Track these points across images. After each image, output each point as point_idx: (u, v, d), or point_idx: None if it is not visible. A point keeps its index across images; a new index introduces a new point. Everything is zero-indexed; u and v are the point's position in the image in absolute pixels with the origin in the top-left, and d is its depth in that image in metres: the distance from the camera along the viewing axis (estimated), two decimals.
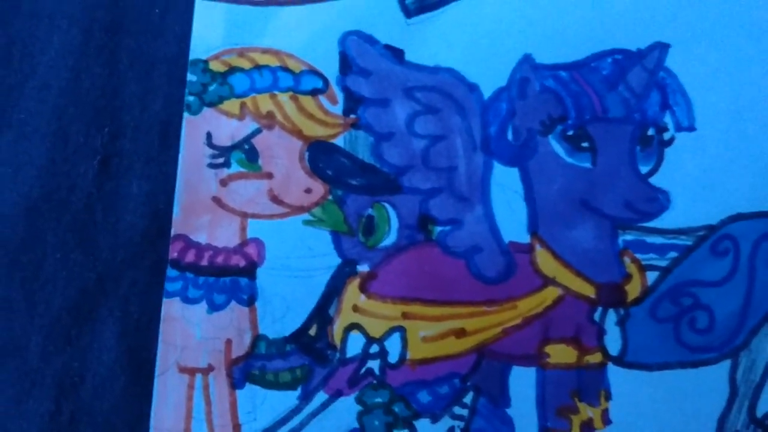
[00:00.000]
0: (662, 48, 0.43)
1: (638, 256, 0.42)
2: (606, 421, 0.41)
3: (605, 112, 0.43)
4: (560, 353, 0.42)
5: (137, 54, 0.47)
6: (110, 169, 0.46)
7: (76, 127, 0.46)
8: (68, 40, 0.47)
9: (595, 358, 0.42)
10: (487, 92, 0.44)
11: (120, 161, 0.46)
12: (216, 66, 0.45)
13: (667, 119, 0.43)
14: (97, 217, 0.46)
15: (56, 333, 0.44)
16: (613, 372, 0.42)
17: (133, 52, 0.47)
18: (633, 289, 0.42)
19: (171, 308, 0.43)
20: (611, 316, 0.42)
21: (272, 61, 0.45)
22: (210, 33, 0.45)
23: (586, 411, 0.41)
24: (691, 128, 0.43)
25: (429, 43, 0.44)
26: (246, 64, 0.45)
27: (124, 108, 0.47)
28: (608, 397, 0.41)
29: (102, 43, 0.49)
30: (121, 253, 0.45)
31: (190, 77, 0.45)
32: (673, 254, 0.42)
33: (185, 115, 0.45)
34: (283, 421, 0.42)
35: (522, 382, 0.42)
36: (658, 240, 0.42)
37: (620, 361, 0.42)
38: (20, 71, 0.46)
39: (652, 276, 0.42)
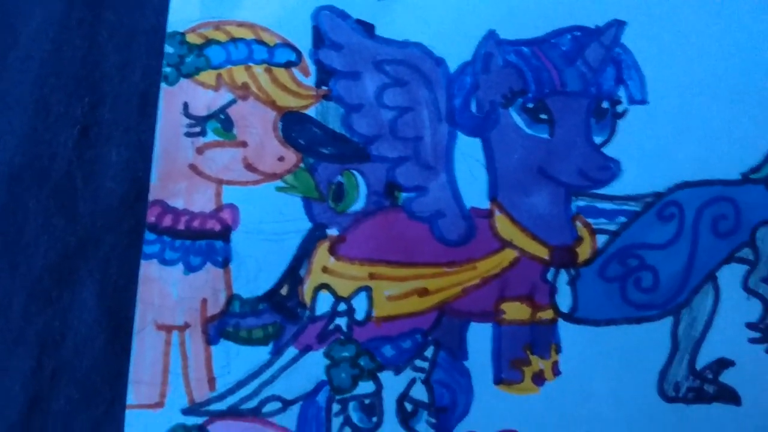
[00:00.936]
0: (619, 25, 0.46)
1: (589, 220, 0.45)
2: (556, 372, 0.44)
3: (563, 86, 0.45)
4: (515, 310, 0.44)
5: (117, 26, 0.49)
6: (90, 137, 0.48)
7: (57, 97, 0.48)
8: (50, 12, 0.48)
9: (547, 314, 0.44)
10: (452, 66, 0.46)
11: (99, 130, 0.48)
12: (193, 38, 0.47)
13: (621, 93, 0.46)
14: (77, 183, 0.47)
15: (38, 294, 0.45)
16: (564, 327, 0.44)
17: (112, 25, 0.49)
18: (584, 251, 0.45)
19: (149, 269, 0.45)
20: (563, 276, 0.45)
21: (247, 35, 0.47)
22: (187, 6, 0.47)
23: (538, 363, 0.44)
24: (643, 101, 0.45)
25: (398, 18, 0.46)
26: (222, 37, 0.47)
27: (103, 78, 0.48)
28: (558, 351, 0.44)
29: (83, 15, 0.49)
30: (101, 218, 0.46)
31: (168, 49, 0.47)
32: (622, 219, 0.45)
33: (162, 85, 0.46)
34: (256, 374, 0.44)
35: (479, 337, 0.44)
36: (608, 206, 0.45)
37: (570, 317, 0.44)
38: (2, 42, 0.47)
39: (601, 239, 0.45)
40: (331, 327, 0.45)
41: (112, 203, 0.47)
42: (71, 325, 0.46)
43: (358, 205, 0.46)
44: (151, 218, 0.46)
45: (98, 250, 0.46)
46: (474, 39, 0.46)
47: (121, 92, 0.48)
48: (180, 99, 0.47)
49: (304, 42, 0.47)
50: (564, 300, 0.45)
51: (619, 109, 0.46)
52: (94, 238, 0.47)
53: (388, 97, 0.46)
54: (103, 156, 0.48)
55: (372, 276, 0.45)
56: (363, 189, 0.46)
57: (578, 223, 0.45)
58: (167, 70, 0.47)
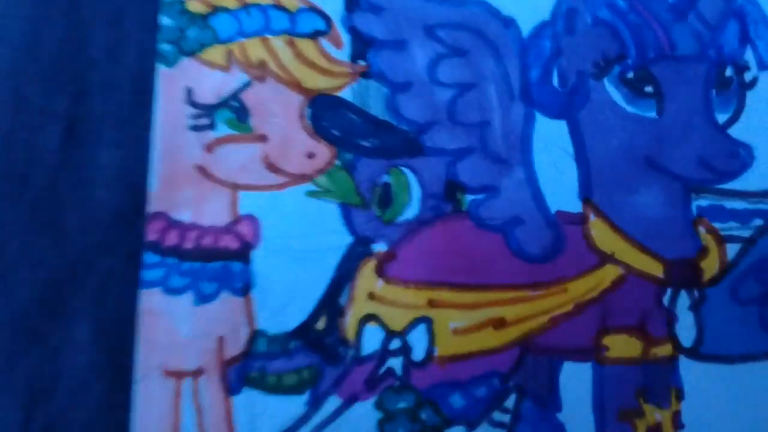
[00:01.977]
0: None
1: (716, 225, 0.42)
2: (677, 425, 0.40)
3: (673, 48, 0.43)
4: (622, 345, 0.40)
5: None
6: (76, 136, 0.46)
7: (36, 89, 0.46)
8: None
9: (663, 350, 0.41)
10: (526, 28, 0.44)
11: (87, 127, 0.46)
12: (195, 6, 0.44)
13: (749, 56, 0.44)
14: (63, 194, 0.46)
15: (23, 331, 0.44)
16: (686, 366, 0.41)
17: None
18: (710, 266, 0.41)
19: (151, 301, 0.41)
20: (683, 299, 0.41)
21: None
22: None
23: (654, 414, 0.40)
24: None
25: None
26: (231, 3, 0.43)
27: (90, 63, 0.47)
28: (680, 397, 0.40)
29: None
30: (93, 237, 0.45)
31: (165, 21, 0.43)
32: (758, 222, 0.42)
33: (160, 67, 0.43)
34: (289, 431, 0.40)
35: (575, 380, 0.40)
36: (739, 205, 0.42)
37: (695, 352, 0.41)
38: None
39: (732, 249, 0.41)
40: (383, 370, 0.41)
41: (106, 217, 0.45)
42: (64, 369, 0.45)
43: (411, 211, 0.42)
44: (152, 236, 0.42)
45: (91, 277, 0.45)
46: None
47: (112, 79, 0.47)
48: (182, 83, 0.43)
49: (334, 5, 0.43)
50: (686, 331, 0.41)
51: (747, 77, 0.43)
52: (85, 262, 0.45)
53: (443, 71, 0.43)
54: (92, 158, 0.46)
55: (432, 303, 0.41)
56: (416, 191, 0.42)
57: (701, 229, 0.42)
58: (165, 47, 0.43)
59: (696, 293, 0.41)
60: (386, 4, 0.44)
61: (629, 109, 0.42)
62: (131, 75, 0.47)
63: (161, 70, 0.45)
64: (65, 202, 0.46)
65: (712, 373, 0.40)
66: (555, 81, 0.43)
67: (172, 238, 0.44)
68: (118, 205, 0.46)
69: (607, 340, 0.41)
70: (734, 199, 0.42)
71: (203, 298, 0.42)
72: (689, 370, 0.40)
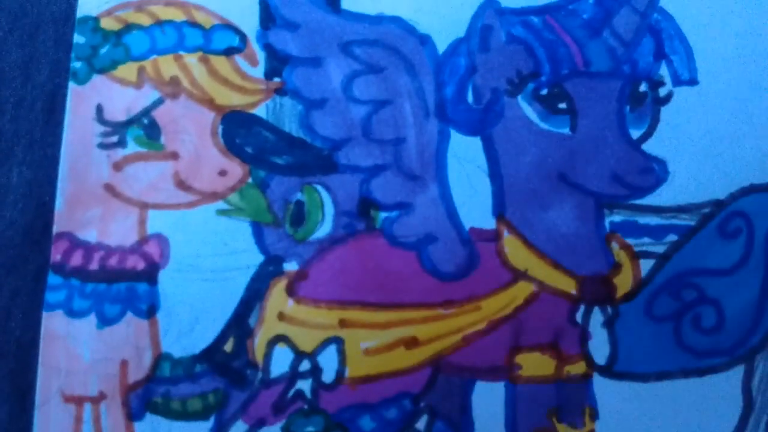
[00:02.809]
0: None
1: (629, 240, 0.41)
2: None
3: (587, 65, 0.42)
4: (535, 364, 0.40)
5: (19, 15, 0.47)
6: None
7: None
8: None
9: (577, 368, 0.40)
10: (441, 45, 0.42)
11: None
12: (109, 24, 0.44)
13: (663, 71, 0.42)
14: None
15: None
16: (600, 384, 0.40)
17: (13, 14, 0.47)
18: (623, 282, 0.40)
19: (53, 324, 0.41)
20: (597, 316, 0.40)
21: (178, 15, 0.43)
22: None
23: None
24: (692, 81, 0.41)
25: None
26: (145, 20, 0.43)
27: (3, 81, 0.47)
28: (594, 416, 0.40)
29: None
30: (0, 258, 0.44)
31: (78, 38, 0.44)
32: (672, 237, 0.40)
33: (71, 84, 0.44)
34: None
35: (488, 400, 0.40)
36: (653, 220, 0.41)
37: (608, 371, 0.40)
38: None
39: (646, 265, 0.40)
40: (291, 393, 0.40)
41: (14, 238, 0.45)
42: None
43: (324, 230, 0.41)
44: (56, 256, 0.41)
45: None
46: (468, 9, 0.42)
47: (24, 97, 0.46)
48: (93, 101, 0.43)
49: (249, 22, 0.43)
50: (599, 349, 0.40)
51: (662, 92, 0.42)
52: None
53: (359, 88, 0.42)
54: (1, 178, 0.46)
55: (343, 323, 0.40)
56: (329, 209, 0.42)
57: (615, 245, 0.41)
58: (76, 64, 0.43)
59: (609, 310, 0.40)
60: (302, 21, 0.44)
61: (543, 125, 0.42)
62: (43, 93, 0.46)
63: (73, 88, 0.45)
64: None
65: (626, 391, 0.40)
66: (470, 98, 0.43)
67: (76, 259, 0.43)
68: (25, 224, 0.45)
69: (520, 359, 0.40)
70: (648, 214, 0.41)
71: (106, 321, 0.42)
72: (603, 389, 0.40)
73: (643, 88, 0.43)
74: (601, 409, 0.40)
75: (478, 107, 0.43)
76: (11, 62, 0.47)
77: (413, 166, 0.43)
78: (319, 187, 0.43)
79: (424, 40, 0.44)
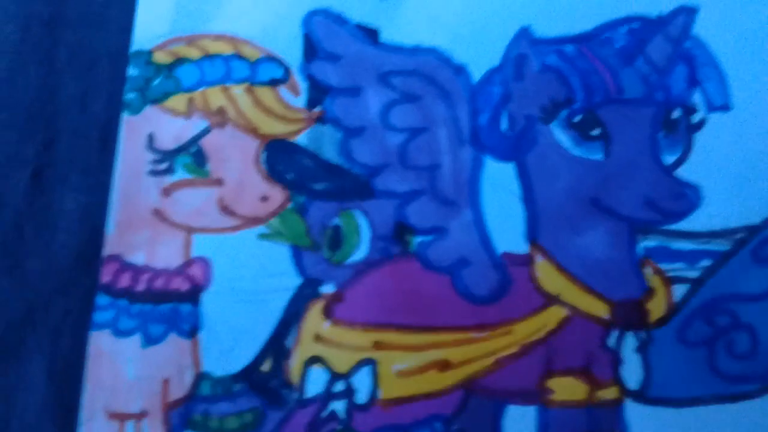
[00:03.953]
0: (688, 12, 0.42)
1: (662, 266, 0.40)
2: None
3: (620, 92, 0.42)
4: (567, 388, 0.39)
5: (76, 48, 0.48)
6: (42, 181, 0.47)
7: (8, 136, 0.47)
8: (3, 36, 0.49)
9: (609, 393, 0.39)
10: (476, 74, 0.43)
11: (53, 172, 0.47)
12: (161, 57, 0.45)
13: (697, 98, 0.42)
14: (27, 237, 0.46)
15: None
16: (632, 410, 0.39)
17: (72, 47, 0.48)
18: (656, 307, 0.40)
19: (100, 342, 0.41)
20: (630, 341, 0.40)
21: (226, 49, 0.44)
22: (155, 20, 0.45)
23: None
24: (725, 107, 0.41)
25: (408, 19, 0.43)
26: (195, 54, 0.44)
27: (60, 111, 0.48)
28: None
29: (39, 38, 0.49)
30: (53, 279, 0.45)
31: (132, 71, 0.45)
32: (705, 263, 0.40)
33: (124, 115, 0.44)
34: None
35: (520, 424, 0.39)
36: (686, 246, 0.40)
37: (641, 396, 0.39)
38: None
39: (680, 290, 0.40)
40: (326, 413, 0.40)
41: (66, 260, 0.45)
42: (16, 411, 0.45)
43: (360, 253, 0.42)
44: (105, 278, 0.42)
45: (48, 318, 0.45)
46: (502, 39, 0.43)
47: (80, 126, 0.48)
48: (144, 130, 0.44)
49: (293, 55, 0.44)
50: (632, 374, 0.40)
51: (695, 118, 0.41)
52: (44, 303, 0.45)
53: (396, 116, 0.43)
54: (56, 203, 0.47)
55: (377, 345, 0.41)
56: (366, 233, 0.42)
57: (648, 270, 0.40)
58: (130, 96, 0.44)
59: (642, 335, 0.40)
60: (342, 52, 0.44)
61: (576, 152, 0.41)
62: (98, 123, 0.47)
63: (126, 118, 0.46)
64: (28, 245, 0.46)
65: (658, 416, 0.39)
66: (504, 125, 0.43)
67: (124, 281, 0.44)
68: (78, 248, 0.46)
69: (552, 383, 0.39)
70: (681, 239, 0.41)
71: (151, 340, 0.43)
72: (635, 414, 0.39)
73: (676, 114, 0.42)
74: None
75: (512, 134, 0.43)
76: (69, 94, 0.48)
77: (448, 191, 0.43)
78: (356, 212, 0.43)
79: (459, 70, 0.44)
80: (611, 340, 0.40)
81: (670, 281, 0.41)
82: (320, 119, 0.43)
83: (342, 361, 0.41)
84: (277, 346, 0.41)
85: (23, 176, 0.47)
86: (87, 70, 0.48)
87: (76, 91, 0.48)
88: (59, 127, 0.48)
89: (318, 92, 0.44)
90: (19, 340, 0.45)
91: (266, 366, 0.41)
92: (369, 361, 0.41)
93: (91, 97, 0.48)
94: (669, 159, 0.42)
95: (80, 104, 0.48)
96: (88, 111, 0.48)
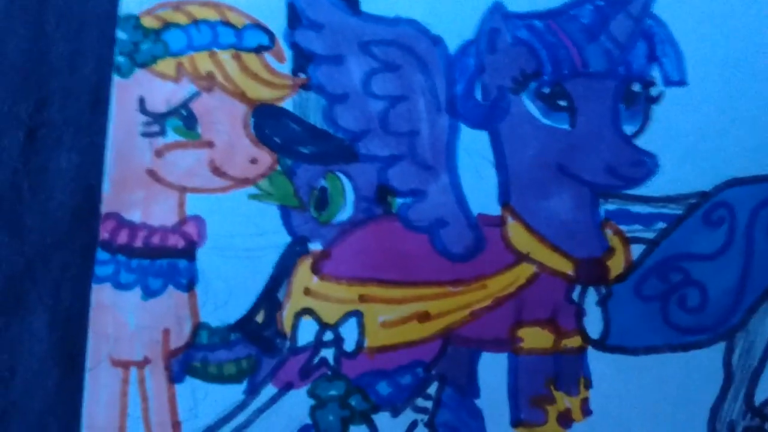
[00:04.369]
0: None
1: (622, 227, 0.41)
2: (585, 411, 0.40)
3: (585, 66, 0.42)
4: (535, 337, 0.40)
5: (65, 12, 0.47)
6: (37, 141, 0.46)
7: (1, 97, 0.47)
8: None
9: (573, 341, 0.40)
10: (452, 46, 0.42)
11: (47, 132, 0.46)
12: (149, 22, 0.43)
13: (655, 73, 0.42)
14: (23, 195, 0.46)
15: None
16: (594, 357, 0.40)
17: (60, 11, 0.47)
18: (616, 265, 0.41)
19: (101, 295, 0.42)
20: (591, 295, 0.41)
21: (212, 15, 0.43)
22: None
23: (564, 400, 0.40)
24: (681, 82, 0.41)
25: None
26: (182, 19, 0.43)
27: (51, 73, 0.47)
28: (588, 385, 0.40)
29: (27, 2, 0.48)
30: (51, 235, 0.45)
31: (120, 35, 0.44)
32: (660, 225, 0.41)
33: (115, 78, 0.43)
34: (228, 417, 0.41)
35: (492, 369, 0.40)
36: (644, 209, 0.41)
37: (601, 344, 0.40)
38: None
39: (637, 249, 0.41)
40: (316, 360, 0.41)
41: (63, 217, 0.45)
42: (21, 359, 0.45)
43: (345, 213, 0.42)
44: (104, 234, 0.42)
45: (48, 272, 0.45)
46: (477, 13, 0.42)
47: (71, 88, 0.47)
48: (135, 93, 0.43)
49: (277, 22, 0.43)
50: (593, 324, 0.41)
51: (653, 92, 0.42)
52: (43, 258, 0.45)
53: (377, 84, 0.42)
54: (51, 162, 0.46)
55: (363, 298, 0.41)
56: (350, 194, 0.42)
57: (608, 231, 0.41)
58: (120, 59, 0.44)
59: (603, 290, 0.41)
60: (325, 21, 0.44)
61: (544, 121, 0.42)
62: (89, 85, 0.47)
63: (116, 81, 0.45)
64: (25, 203, 0.46)
65: (617, 363, 0.40)
66: (478, 95, 0.42)
67: (122, 237, 0.44)
68: (74, 205, 0.46)
69: (522, 332, 0.41)
70: (639, 203, 0.41)
71: (150, 293, 0.42)
72: (596, 361, 0.40)
73: (636, 88, 0.43)
74: (594, 378, 0.41)
75: (486, 104, 0.42)
76: (58, 56, 0.48)
77: (426, 156, 0.42)
78: (341, 175, 0.42)
79: (437, 41, 0.43)
80: (575, 294, 0.41)
81: (628, 241, 0.41)
82: (305, 86, 0.43)
83: (330, 313, 0.41)
84: (269, 298, 0.42)
85: (18, 136, 0.47)
86: (75, 34, 0.47)
87: (65, 53, 0.47)
88: (51, 88, 0.47)
89: (302, 59, 0.43)
90: (20, 293, 0.45)
91: (260, 317, 0.41)
92: (356, 313, 0.41)
93: (81, 60, 0.47)
94: (629, 129, 0.42)
95: (70, 67, 0.47)
96: (78, 73, 0.47)
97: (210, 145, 0.43)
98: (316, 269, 0.41)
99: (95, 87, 0.47)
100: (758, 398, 0.40)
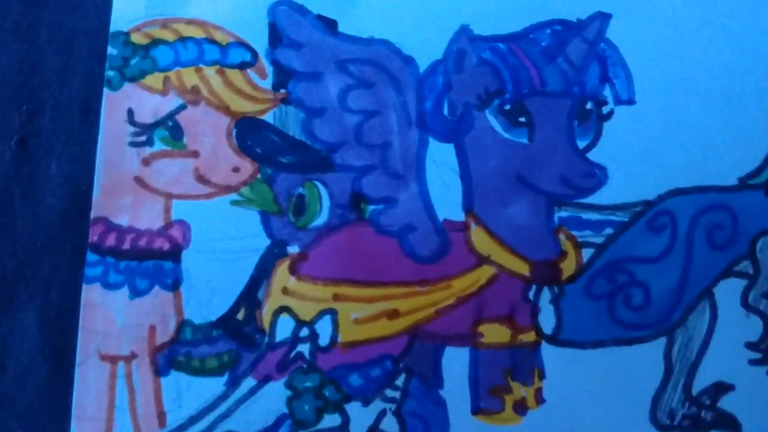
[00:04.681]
0: (603, 18, 0.44)
1: (574, 232, 0.43)
2: (539, 399, 0.42)
3: (543, 85, 0.43)
4: (494, 332, 0.42)
5: (56, 27, 0.49)
6: (28, 149, 0.48)
7: None
8: None
9: (529, 336, 0.42)
10: (423, 65, 0.44)
11: (39, 141, 0.48)
12: (138, 38, 0.45)
13: (607, 92, 0.43)
14: (15, 200, 0.47)
15: None
16: (547, 351, 0.42)
17: (51, 26, 0.49)
18: (568, 267, 0.43)
19: (91, 294, 0.43)
20: (546, 294, 0.42)
21: (198, 33, 0.45)
22: (131, 3, 0.45)
23: (520, 390, 0.42)
24: (630, 102, 0.43)
25: (363, 13, 0.44)
26: (170, 36, 0.45)
27: (42, 85, 0.49)
28: (542, 376, 0.42)
29: (19, 17, 0.50)
30: (41, 238, 0.45)
31: (111, 50, 0.45)
32: (609, 230, 0.43)
33: (105, 90, 0.45)
34: (210, 407, 0.42)
35: (455, 362, 0.42)
36: (594, 216, 0.43)
37: (554, 339, 0.42)
38: None
39: (587, 253, 0.43)
40: (293, 354, 0.42)
41: (53, 221, 0.45)
42: (12, 354, 0.46)
43: (321, 219, 0.43)
44: (93, 237, 0.44)
45: (39, 273, 0.45)
46: (445, 35, 0.44)
47: (62, 99, 0.48)
48: (124, 105, 0.45)
49: (259, 41, 0.44)
50: (547, 321, 0.42)
51: (605, 110, 0.44)
52: (34, 260, 0.45)
53: (352, 99, 0.44)
54: (42, 169, 0.48)
55: (337, 297, 0.43)
56: (326, 201, 0.43)
57: (561, 236, 0.43)
58: (110, 73, 0.45)
59: (556, 289, 0.42)
60: (305, 41, 0.44)
61: (506, 135, 0.43)
62: (79, 96, 0.48)
63: (107, 93, 0.45)
64: (17, 208, 0.47)
65: (568, 356, 0.42)
66: (445, 111, 0.44)
67: (111, 240, 0.44)
68: (64, 210, 0.47)
69: (482, 328, 0.42)
70: (590, 211, 0.43)
71: (137, 293, 0.43)
72: (550, 354, 0.42)
73: (589, 106, 0.44)
74: (547, 370, 0.42)
75: (452, 119, 0.44)
76: (49, 69, 0.49)
77: (397, 167, 0.44)
78: (317, 183, 0.44)
79: (408, 61, 0.44)
80: (531, 294, 0.43)
81: (579, 245, 0.43)
82: (285, 100, 0.44)
83: (306, 311, 0.43)
84: (249, 297, 0.43)
85: (10, 144, 0.48)
86: (66, 49, 0.49)
87: (56, 67, 0.49)
88: (42, 99, 0.49)
89: (282, 76, 0.44)
90: (11, 293, 0.47)
91: (240, 315, 0.43)
92: (330, 311, 0.43)
93: (71, 74, 0.49)
94: (582, 143, 0.44)
95: (61, 80, 0.49)
96: (69, 86, 0.49)
97: (195, 154, 0.44)
98: (293, 270, 0.43)
99: (85, 99, 0.48)
100: (695, 388, 0.41)
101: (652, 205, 0.43)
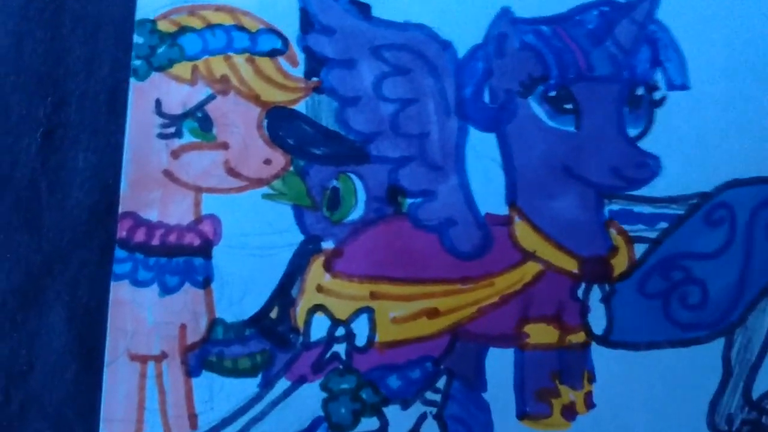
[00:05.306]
0: None
1: (625, 227, 0.42)
2: (589, 404, 0.41)
3: (590, 70, 0.42)
4: (540, 333, 0.41)
5: (81, 15, 0.48)
6: (54, 141, 0.47)
7: (18, 97, 0.48)
8: (8, 2, 0.49)
9: (577, 337, 0.41)
10: (461, 50, 0.43)
11: (65, 133, 0.47)
12: (165, 26, 0.45)
13: (658, 77, 0.43)
14: (42, 194, 0.47)
15: (2, 318, 0.44)
16: (597, 352, 0.41)
17: (76, 14, 0.48)
18: (619, 263, 0.41)
19: (120, 292, 0.42)
20: (596, 293, 0.41)
21: (226, 20, 0.44)
22: None
23: (568, 394, 0.41)
24: (684, 86, 0.42)
25: None
26: (197, 24, 0.44)
27: (68, 75, 0.48)
28: (592, 379, 0.41)
29: (42, 5, 0.49)
30: (69, 233, 0.45)
31: (137, 39, 0.45)
32: (663, 225, 0.42)
33: (132, 80, 0.44)
34: (243, 410, 0.41)
35: (499, 364, 0.41)
36: (647, 209, 0.42)
37: (605, 340, 0.41)
38: None
39: (640, 248, 0.41)
40: (328, 355, 0.42)
41: (81, 215, 0.45)
42: (39, 354, 0.46)
43: (357, 213, 0.43)
44: (121, 233, 0.43)
45: (66, 269, 0.45)
46: (485, 18, 0.43)
47: (88, 90, 0.48)
48: (152, 95, 0.44)
49: (290, 27, 0.44)
50: (597, 320, 0.41)
51: (657, 95, 0.43)
52: (61, 256, 0.45)
53: (388, 87, 0.43)
54: (69, 162, 0.47)
55: (374, 295, 0.42)
56: (361, 195, 0.43)
57: (612, 231, 0.42)
58: (137, 63, 0.45)
59: (607, 287, 0.41)
60: (337, 26, 0.45)
61: (551, 123, 0.42)
62: (106, 87, 0.48)
63: (133, 84, 0.46)
64: (43, 202, 0.47)
65: (620, 358, 0.41)
66: (486, 98, 0.43)
67: (140, 235, 0.44)
68: (91, 204, 0.47)
69: (528, 328, 0.41)
70: (642, 204, 0.41)
71: (167, 290, 0.43)
72: (600, 356, 0.41)
73: (640, 91, 0.43)
74: (597, 373, 0.41)
75: (494, 107, 0.43)
76: (75, 59, 0.49)
77: (436, 158, 0.43)
78: (352, 176, 0.43)
79: (446, 46, 0.43)
80: (580, 292, 0.42)
81: (631, 240, 0.42)
82: (317, 89, 0.43)
83: (342, 309, 0.42)
84: (283, 295, 0.42)
85: (36, 136, 0.48)
86: (91, 37, 0.48)
87: (82, 56, 0.48)
88: (68, 90, 0.48)
89: (315, 63, 0.44)
90: (38, 289, 0.46)
91: (274, 313, 0.42)
92: (367, 309, 0.42)
93: (97, 63, 0.48)
94: (633, 132, 0.42)
95: (86, 69, 0.48)
96: (95, 75, 0.48)
97: (225, 146, 0.44)
98: (328, 267, 0.42)
99: (112, 89, 0.48)
100: (756, 392, 0.40)
101: (709, 197, 0.42)
